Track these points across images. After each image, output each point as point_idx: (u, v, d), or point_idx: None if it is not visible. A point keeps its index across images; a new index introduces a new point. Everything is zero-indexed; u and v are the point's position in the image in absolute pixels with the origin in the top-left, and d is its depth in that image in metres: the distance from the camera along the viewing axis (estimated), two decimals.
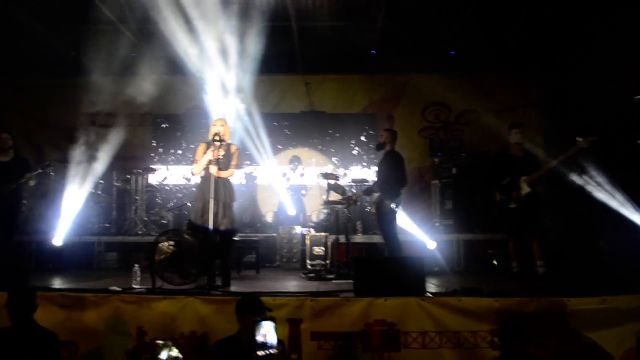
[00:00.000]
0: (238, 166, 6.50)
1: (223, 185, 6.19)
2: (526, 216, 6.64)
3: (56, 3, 9.35)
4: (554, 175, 6.77)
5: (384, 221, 7.09)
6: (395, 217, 7.08)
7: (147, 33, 10.13)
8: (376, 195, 7.38)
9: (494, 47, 9.57)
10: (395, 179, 7.03)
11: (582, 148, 6.25)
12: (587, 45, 9.04)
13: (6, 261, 6.38)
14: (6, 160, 7.36)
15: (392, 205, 6.92)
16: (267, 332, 2.50)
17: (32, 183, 7.59)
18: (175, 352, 2.45)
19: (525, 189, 6.63)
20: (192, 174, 10.14)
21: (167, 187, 11.01)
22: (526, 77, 10.71)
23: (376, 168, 10.59)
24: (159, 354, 2.48)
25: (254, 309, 4.03)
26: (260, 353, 2.44)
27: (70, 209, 8.84)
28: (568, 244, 8.14)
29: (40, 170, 7.56)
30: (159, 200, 10.79)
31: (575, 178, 7.11)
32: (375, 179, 7.84)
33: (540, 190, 6.83)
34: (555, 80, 10.20)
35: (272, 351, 2.48)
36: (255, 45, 9.22)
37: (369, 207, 9.78)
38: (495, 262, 8.45)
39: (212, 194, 5.90)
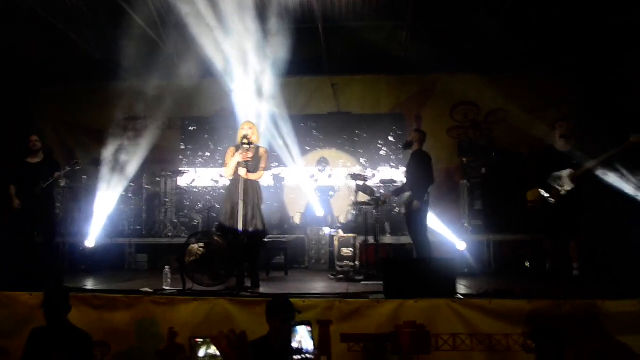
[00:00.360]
0: (266, 168, 6.51)
1: (252, 188, 6.22)
2: (567, 214, 6.38)
3: (86, 9, 9.52)
4: (594, 172, 6.48)
5: (414, 222, 7.04)
6: (425, 218, 7.03)
7: (176, 37, 10.24)
8: (405, 195, 7.32)
9: (526, 45, 9.42)
10: (423, 178, 6.97)
11: (634, 145, 5.93)
12: (625, 42, 8.83)
13: (43, 261, 6.47)
14: (36, 161, 7.43)
15: (422, 204, 6.87)
16: (302, 337, 2.48)
17: (62, 183, 7.66)
18: (213, 350, 2.46)
19: (569, 185, 6.39)
20: (221, 176, 10.27)
21: (195, 190, 11.11)
22: (559, 76, 10.49)
23: (404, 168, 10.62)
24: (197, 352, 2.49)
25: (283, 311, 4.03)
26: (297, 357, 2.43)
27: (102, 211, 9.01)
28: (603, 244, 7.92)
29: (68, 169, 7.60)
30: (188, 203, 10.90)
31: (615, 175, 6.85)
32: (404, 179, 7.78)
33: (585, 187, 6.51)
34: (589, 78, 9.97)
35: (308, 356, 2.46)
36: (282, 47, 9.25)
37: (397, 208, 9.72)
38: (527, 264, 8.29)
39: (241, 196, 5.93)
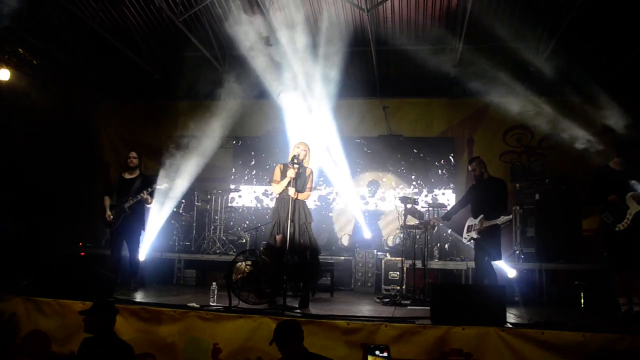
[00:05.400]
0: (312, 189, 6.58)
1: (300, 207, 6.27)
2: (636, 241, 5.78)
3: (148, 31, 9.87)
4: None
5: (491, 248, 6.93)
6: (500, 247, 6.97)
7: (231, 58, 10.50)
8: (485, 222, 7.10)
9: (581, 68, 9.17)
10: (503, 205, 6.98)
11: None
12: None
13: (107, 273, 6.66)
14: (131, 177, 7.64)
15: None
16: None
17: (150, 204, 7.72)
18: None
19: (635, 207, 5.78)
20: (264, 194, 10.38)
21: (239, 210, 11.25)
22: (617, 98, 10.14)
23: (459, 192, 10.44)
24: None
25: (292, 335, 4.00)
26: None
27: (153, 226, 9.21)
28: None
29: (152, 189, 7.62)
30: (232, 222, 11.00)
31: None
32: (454, 203, 7.65)
33: None
34: None
35: None
36: (335, 69, 9.33)
37: (450, 233, 9.55)
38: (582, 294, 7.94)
39: (290, 216, 5.98)
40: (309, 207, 6.55)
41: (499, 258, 7.03)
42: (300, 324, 4.16)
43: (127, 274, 7.59)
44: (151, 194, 7.60)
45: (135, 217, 7.56)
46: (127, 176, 7.68)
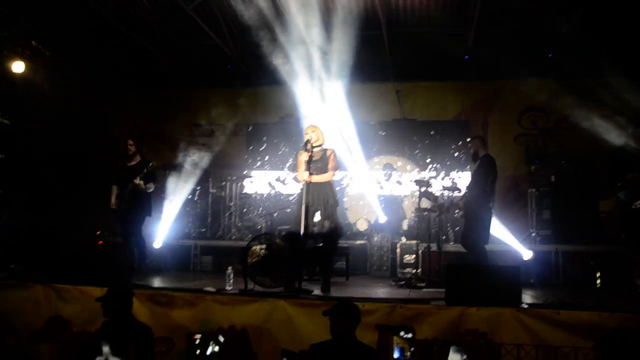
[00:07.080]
0: (335, 169, 6.47)
1: (321, 190, 6.25)
2: None
3: (155, 17, 9.86)
4: None
5: (471, 230, 6.86)
6: (485, 227, 6.83)
7: (243, 45, 10.47)
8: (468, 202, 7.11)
9: (600, 47, 9.01)
10: (477, 185, 6.85)
11: None
12: None
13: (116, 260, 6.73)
14: (132, 164, 7.79)
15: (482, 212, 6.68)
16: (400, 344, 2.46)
17: (149, 188, 7.70)
18: (216, 348, 2.48)
19: None
20: (277, 180, 10.43)
21: (252, 196, 11.16)
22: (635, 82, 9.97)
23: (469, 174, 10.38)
24: (199, 348, 2.52)
25: (349, 315, 4.04)
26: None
27: (169, 214, 9.29)
28: None
29: (145, 172, 7.59)
30: (246, 208, 10.99)
31: None
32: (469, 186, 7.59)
33: None
34: None
35: None
36: (347, 54, 9.28)
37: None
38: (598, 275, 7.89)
39: (304, 200, 5.97)
40: (334, 188, 6.48)
41: (472, 243, 6.92)
42: (360, 311, 4.18)
43: (138, 259, 7.74)
44: (146, 179, 7.59)
45: (134, 203, 7.63)
46: (128, 164, 7.82)
